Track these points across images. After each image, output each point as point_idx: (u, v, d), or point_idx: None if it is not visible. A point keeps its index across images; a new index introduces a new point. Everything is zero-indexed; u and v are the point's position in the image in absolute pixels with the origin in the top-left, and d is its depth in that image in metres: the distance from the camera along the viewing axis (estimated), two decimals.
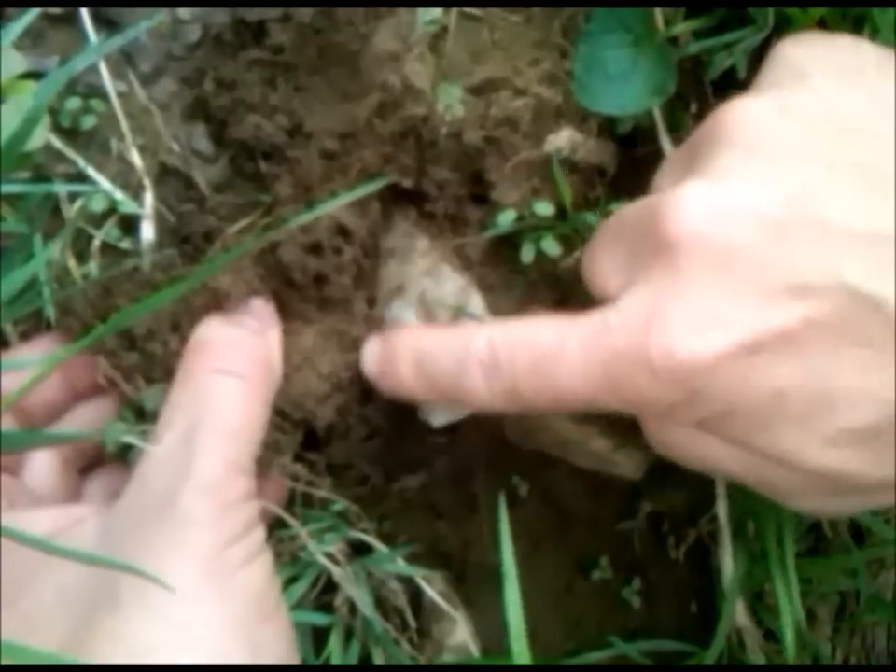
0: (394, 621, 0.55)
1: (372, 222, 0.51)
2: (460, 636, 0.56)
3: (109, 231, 0.50)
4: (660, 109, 0.53)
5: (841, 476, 0.41)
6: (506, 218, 0.52)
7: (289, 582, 0.51)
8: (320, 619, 0.53)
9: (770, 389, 0.39)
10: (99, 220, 0.50)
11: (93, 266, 0.50)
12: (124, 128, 0.50)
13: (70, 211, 0.49)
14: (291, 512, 0.51)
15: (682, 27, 0.52)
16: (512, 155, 0.50)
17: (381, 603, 0.55)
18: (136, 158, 0.50)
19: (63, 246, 0.48)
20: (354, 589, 0.52)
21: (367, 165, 0.50)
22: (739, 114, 0.42)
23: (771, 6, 0.49)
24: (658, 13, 0.51)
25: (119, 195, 0.50)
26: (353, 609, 0.53)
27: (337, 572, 0.52)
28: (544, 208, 0.52)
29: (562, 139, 0.52)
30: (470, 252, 0.54)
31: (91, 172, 0.49)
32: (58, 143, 0.49)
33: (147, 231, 0.50)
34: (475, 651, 0.56)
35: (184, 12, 0.51)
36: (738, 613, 0.62)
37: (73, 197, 0.49)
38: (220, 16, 0.50)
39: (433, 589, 0.56)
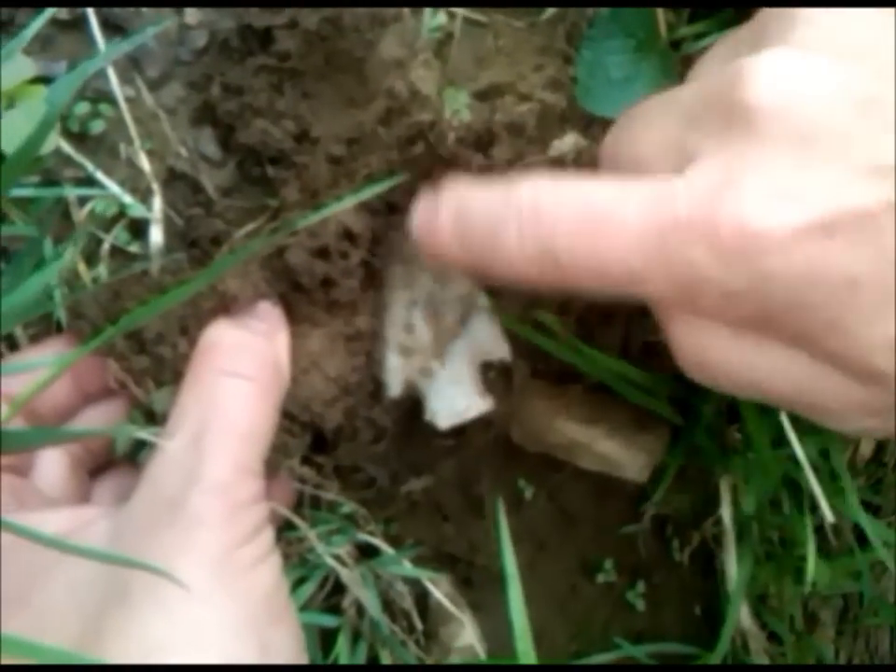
0: (401, 623, 0.55)
1: (379, 226, 0.51)
2: (467, 638, 0.56)
3: (118, 235, 0.50)
4: None
5: None
6: None
7: (297, 584, 0.52)
8: (328, 620, 0.53)
9: (844, 278, 0.35)
10: (108, 224, 0.50)
11: (103, 269, 0.50)
12: (132, 132, 0.51)
13: (80, 215, 0.49)
14: (300, 514, 0.51)
15: (685, 31, 0.53)
16: (517, 160, 0.51)
17: (388, 605, 0.55)
18: (145, 162, 0.51)
19: (72, 250, 0.48)
20: (361, 591, 0.52)
21: (373, 170, 0.50)
22: (808, 9, 0.39)
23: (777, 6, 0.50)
24: (661, 18, 0.51)
25: (127, 199, 0.50)
26: (360, 610, 0.54)
27: (345, 574, 0.52)
28: None
29: (567, 144, 0.52)
30: None
31: (100, 176, 0.50)
32: (67, 147, 0.49)
33: (156, 235, 0.51)
34: (482, 653, 0.56)
35: (190, 18, 0.52)
36: (742, 616, 0.63)
37: (82, 201, 0.50)
38: (227, 22, 0.51)
39: (439, 591, 0.56)
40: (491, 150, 0.50)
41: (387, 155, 0.50)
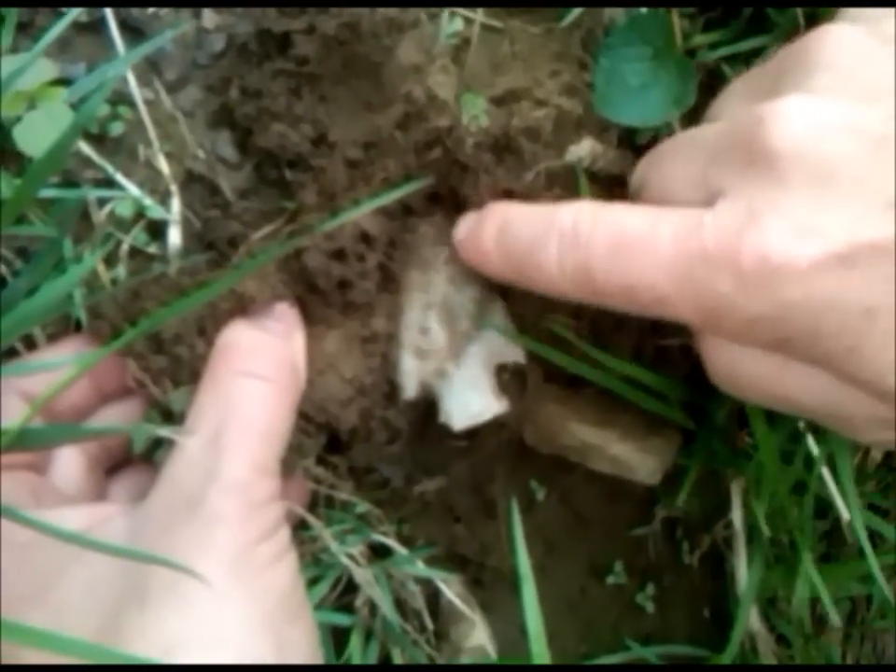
0: (413, 622, 0.56)
1: (396, 229, 0.52)
2: (478, 638, 0.57)
3: (137, 236, 0.50)
4: (679, 120, 0.54)
5: None
6: None
7: (311, 583, 0.52)
8: (341, 619, 0.53)
9: (860, 306, 0.38)
10: (127, 225, 0.50)
11: (122, 270, 0.50)
12: (151, 135, 0.51)
13: (99, 216, 0.50)
14: (314, 514, 0.51)
15: (700, 39, 0.53)
16: (534, 165, 0.51)
17: (400, 605, 0.55)
18: (163, 164, 0.51)
19: (92, 254, 0.48)
20: (374, 590, 0.53)
21: (390, 174, 0.50)
22: (834, 39, 0.42)
23: (796, 6, 0.50)
24: (677, 26, 0.52)
25: (146, 200, 0.50)
26: (373, 610, 0.54)
27: (358, 573, 0.52)
28: None
29: (583, 149, 0.52)
30: None
31: (120, 178, 0.50)
32: (87, 149, 0.50)
33: (175, 237, 0.51)
34: (493, 653, 0.57)
35: (208, 22, 0.52)
36: (751, 618, 0.63)
37: (101, 202, 0.50)
38: (245, 26, 0.51)
39: (451, 591, 0.56)
40: (507, 156, 0.50)
41: (404, 159, 0.50)
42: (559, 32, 0.54)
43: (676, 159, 0.46)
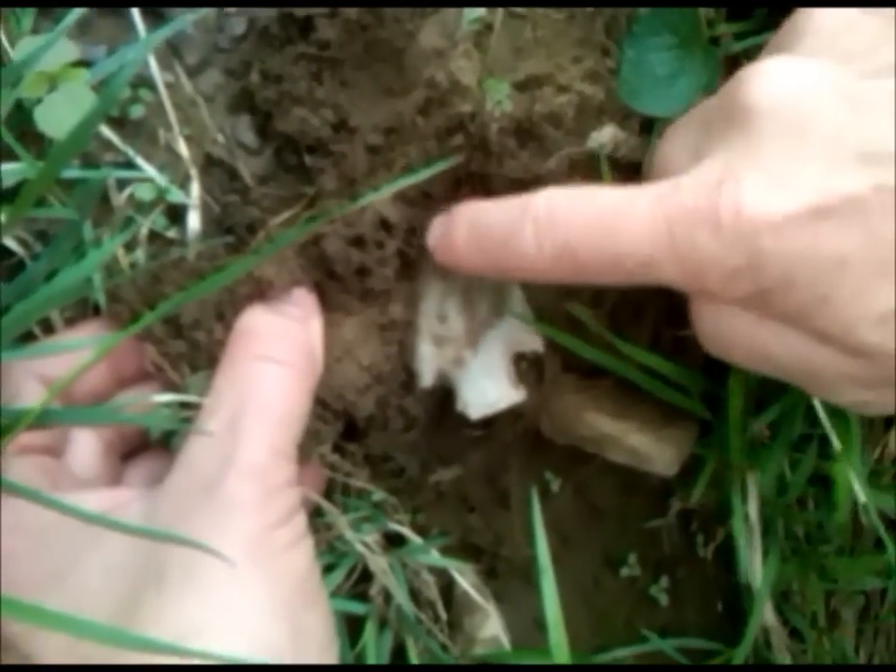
0: (427, 612, 0.56)
1: (416, 216, 0.51)
2: (492, 629, 0.57)
3: (156, 220, 0.50)
4: None
5: (887, 358, 0.41)
6: None
7: (326, 571, 0.52)
8: (356, 607, 0.53)
9: (834, 257, 0.39)
10: (146, 209, 0.50)
11: (140, 254, 0.50)
12: (171, 118, 0.51)
13: (119, 200, 0.49)
14: (330, 501, 0.51)
15: (724, 28, 0.53)
16: (556, 150, 0.51)
17: (414, 594, 0.55)
18: (183, 148, 0.51)
19: (112, 239, 0.48)
20: (389, 579, 0.52)
21: (411, 160, 0.50)
22: (823, 9, 0.44)
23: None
24: (702, 15, 0.52)
25: (166, 184, 0.50)
26: (387, 598, 0.54)
27: (373, 562, 0.52)
28: None
29: (605, 136, 0.52)
30: None
31: (140, 161, 0.50)
32: (107, 132, 0.49)
33: (194, 221, 0.51)
34: (506, 644, 0.57)
35: (230, 5, 0.52)
36: (766, 612, 0.63)
37: (121, 186, 0.50)
38: (266, 9, 0.51)
39: (466, 581, 0.56)
40: (530, 142, 0.50)
41: (425, 145, 0.50)
42: (582, 17, 0.54)
43: (677, 132, 0.48)
